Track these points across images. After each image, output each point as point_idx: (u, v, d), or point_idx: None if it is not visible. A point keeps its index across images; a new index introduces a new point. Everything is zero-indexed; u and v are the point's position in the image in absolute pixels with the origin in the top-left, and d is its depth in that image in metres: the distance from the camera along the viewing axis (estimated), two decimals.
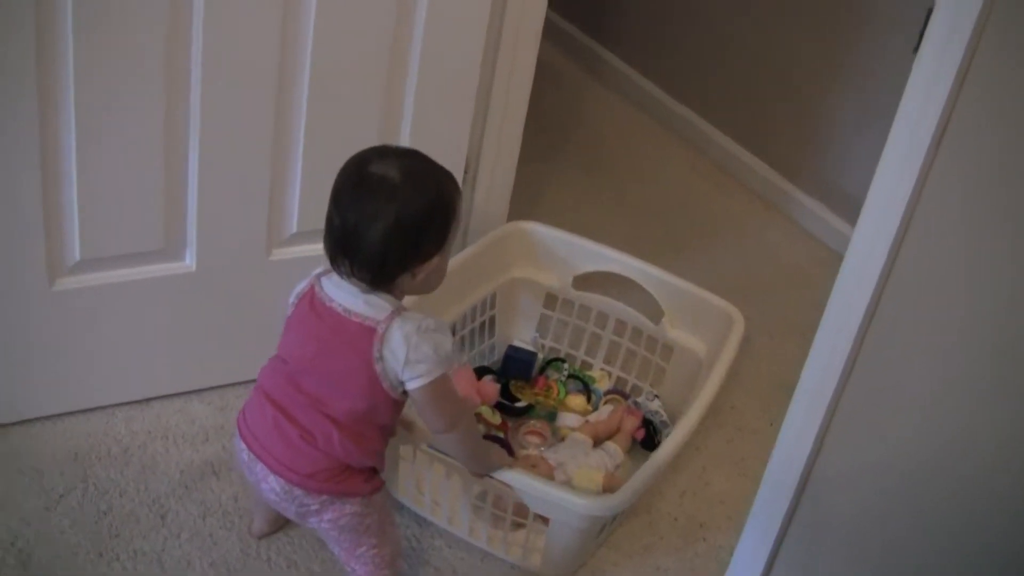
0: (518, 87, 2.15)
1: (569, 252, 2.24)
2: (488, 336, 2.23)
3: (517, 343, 2.25)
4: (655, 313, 2.21)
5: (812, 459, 1.57)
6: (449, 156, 1.94)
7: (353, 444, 1.55)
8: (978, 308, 1.34)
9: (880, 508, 1.51)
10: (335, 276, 1.55)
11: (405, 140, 1.98)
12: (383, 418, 1.57)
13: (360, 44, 1.85)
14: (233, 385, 2.08)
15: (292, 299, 1.62)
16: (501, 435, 2.03)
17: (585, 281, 2.26)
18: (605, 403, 2.20)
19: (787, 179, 2.99)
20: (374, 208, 1.46)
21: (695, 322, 2.18)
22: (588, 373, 2.26)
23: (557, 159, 3.04)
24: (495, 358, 2.25)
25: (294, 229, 1.97)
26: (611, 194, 2.95)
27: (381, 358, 1.50)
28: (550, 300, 2.28)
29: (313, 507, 1.57)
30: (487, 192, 2.22)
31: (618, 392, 2.23)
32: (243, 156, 1.85)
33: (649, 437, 2.12)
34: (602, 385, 2.25)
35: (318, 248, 1.96)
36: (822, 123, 2.88)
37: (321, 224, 1.96)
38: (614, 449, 2.05)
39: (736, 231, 2.90)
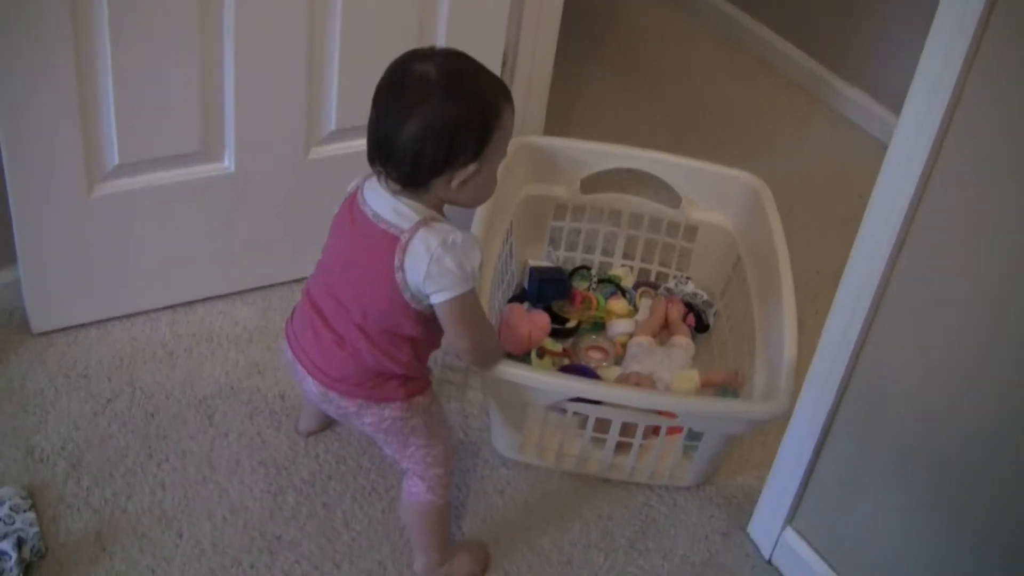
0: None
1: (573, 158, 2.15)
2: (508, 264, 2.11)
3: (534, 263, 2.17)
4: (673, 199, 2.17)
5: (861, 341, 1.55)
6: (487, 47, 1.93)
7: (381, 353, 1.51)
8: None
9: (931, 391, 1.49)
10: (374, 179, 1.51)
11: (442, 30, 1.94)
12: (408, 329, 1.50)
13: None
14: (275, 286, 2.08)
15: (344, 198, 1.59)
16: (567, 361, 2.02)
17: (595, 184, 2.18)
18: (640, 299, 2.18)
19: (829, 69, 2.92)
20: (408, 106, 1.41)
21: (717, 198, 2.16)
22: (612, 273, 2.24)
23: (593, 61, 2.98)
24: (515, 283, 2.17)
25: (332, 126, 1.95)
26: (650, 95, 2.89)
27: (401, 268, 1.44)
28: (559, 211, 2.20)
29: (351, 410, 1.56)
30: (526, 86, 2.18)
31: (647, 284, 2.22)
32: (279, 53, 1.82)
33: (698, 320, 2.12)
34: (628, 282, 2.22)
35: (357, 145, 1.94)
36: (863, 10, 2.81)
37: (360, 121, 1.94)
38: (685, 342, 2.05)
39: (780, 125, 2.84)
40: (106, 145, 1.78)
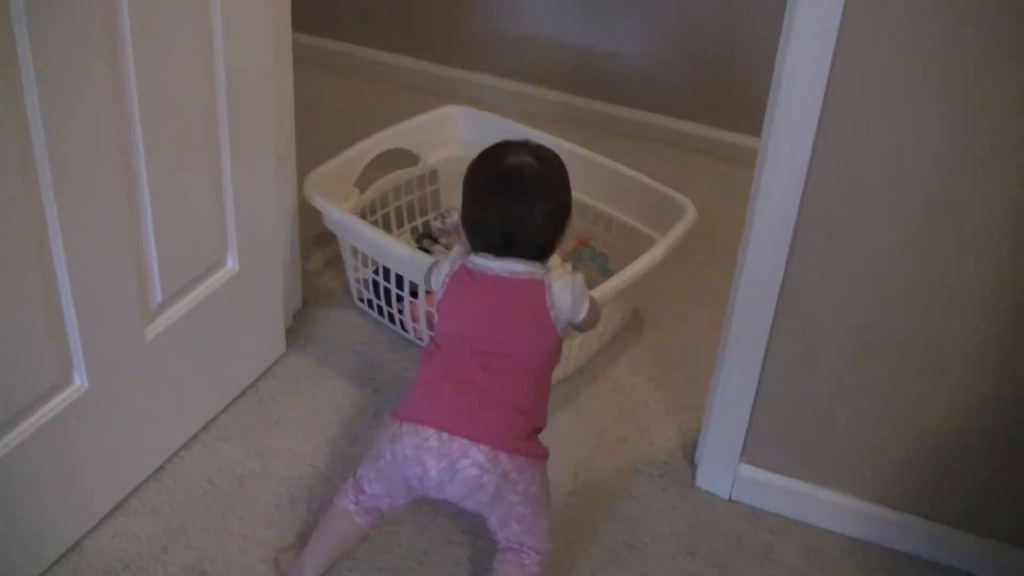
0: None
1: (345, 169, 2.34)
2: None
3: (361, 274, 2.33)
4: (412, 159, 2.49)
5: (786, 265, 1.73)
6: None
7: (537, 396, 1.65)
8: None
9: (858, 293, 1.72)
10: (480, 257, 1.64)
11: (228, 159, 1.86)
12: (555, 360, 1.70)
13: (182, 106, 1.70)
14: (150, 480, 1.90)
15: (439, 286, 1.69)
16: None
17: (363, 183, 2.39)
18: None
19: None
20: (531, 198, 1.62)
21: (440, 136, 2.52)
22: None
23: None
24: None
25: (159, 299, 1.80)
26: None
27: (553, 305, 1.62)
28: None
29: (513, 476, 1.59)
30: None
31: (426, 237, 2.45)
32: (107, 245, 1.65)
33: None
34: (412, 244, 2.39)
35: (185, 305, 1.83)
36: None
37: (181, 280, 1.83)
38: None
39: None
40: None
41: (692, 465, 2.02)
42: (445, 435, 1.57)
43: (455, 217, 2.36)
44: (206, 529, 1.84)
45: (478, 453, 1.57)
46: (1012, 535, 1.82)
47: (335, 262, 2.45)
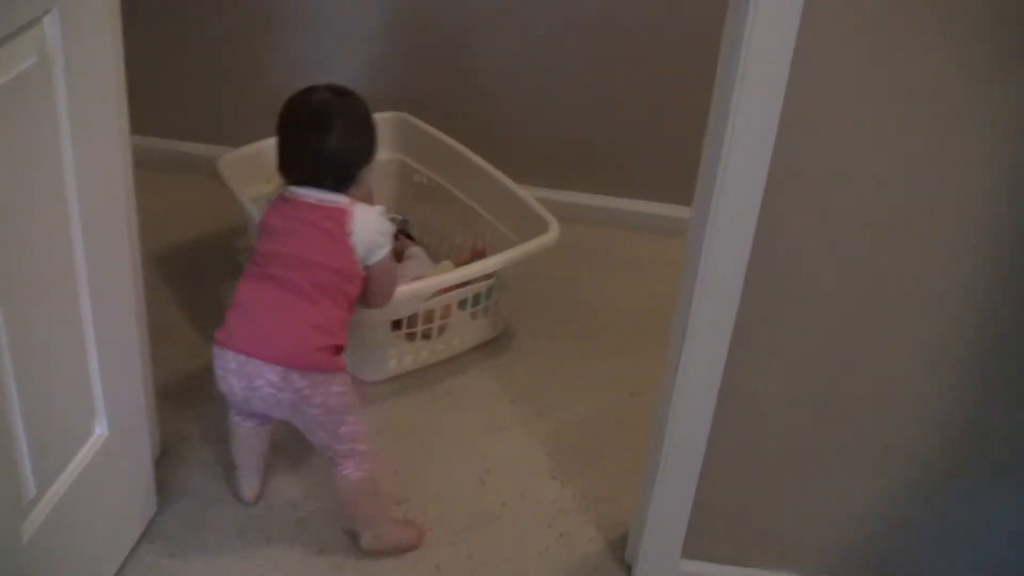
0: None
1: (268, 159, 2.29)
2: None
3: None
4: None
5: (728, 354, 1.64)
6: None
7: (337, 318, 1.77)
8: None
9: (796, 378, 1.66)
10: (293, 188, 1.82)
11: (88, 311, 1.61)
12: (354, 288, 1.82)
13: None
14: None
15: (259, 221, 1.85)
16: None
17: None
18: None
19: None
20: (327, 119, 1.82)
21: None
22: None
23: None
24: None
25: (32, 492, 1.55)
26: None
27: (352, 233, 1.79)
28: None
29: (306, 392, 1.72)
30: None
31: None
32: None
33: (408, 235, 2.52)
34: None
35: (58, 489, 1.61)
36: None
37: (53, 465, 1.59)
38: (415, 250, 2.44)
39: None
40: None
41: (624, 565, 1.91)
42: (242, 357, 1.72)
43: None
44: None
45: (271, 373, 1.71)
46: None
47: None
